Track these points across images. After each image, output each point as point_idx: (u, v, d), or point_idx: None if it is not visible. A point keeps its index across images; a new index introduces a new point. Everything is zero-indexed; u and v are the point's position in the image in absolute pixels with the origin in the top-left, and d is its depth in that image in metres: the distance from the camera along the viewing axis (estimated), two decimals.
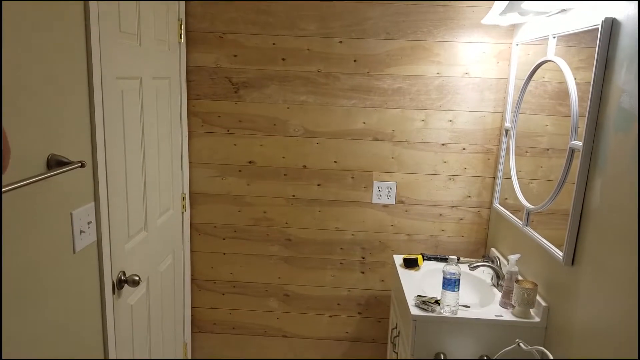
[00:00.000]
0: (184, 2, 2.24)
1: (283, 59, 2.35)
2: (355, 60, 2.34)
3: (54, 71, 1.23)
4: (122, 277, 1.63)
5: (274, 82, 2.37)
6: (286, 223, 2.52)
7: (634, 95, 1.28)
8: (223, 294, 2.62)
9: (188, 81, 2.37)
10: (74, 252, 1.36)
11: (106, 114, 1.49)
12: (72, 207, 1.35)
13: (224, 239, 2.55)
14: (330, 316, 2.63)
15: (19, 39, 1.10)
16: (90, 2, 1.36)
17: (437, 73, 2.33)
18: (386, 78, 2.35)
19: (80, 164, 1.25)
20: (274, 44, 2.33)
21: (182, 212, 2.39)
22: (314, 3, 2.28)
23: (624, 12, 1.35)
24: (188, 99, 2.39)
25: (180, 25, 2.22)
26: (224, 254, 2.57)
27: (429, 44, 2.30)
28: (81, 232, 1.38)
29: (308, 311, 2.63)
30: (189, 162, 2.46)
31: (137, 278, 1.62)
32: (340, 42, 2.32)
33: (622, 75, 1.34)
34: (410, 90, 2.35)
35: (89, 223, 1.42)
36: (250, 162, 2.46)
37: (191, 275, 2.59)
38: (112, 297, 1.57)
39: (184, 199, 2.39)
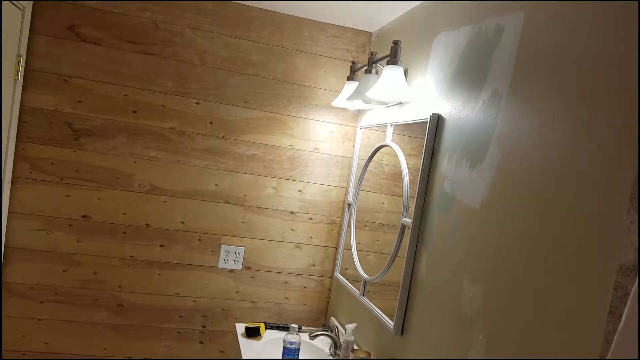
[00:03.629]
0: (26, 37, 2.05)
1: (134, 112, 2.25)
2: (211, 123, 2.34)
3: None
4: None
5: (121, 134, 2.24)
6: (119, 286, 2.30)
7: (454, 181, 1.48)
8: None
9: (20, 122, 2.12)
10: None
11: None
12: None
13: (41, 303, 2.22)
14: None
15: None
16: None
17: (290, 145, 2.44)
18: (241, 144, 2.38)
19: None
20: (125, 95, 2.23)
21: None
22: (173, 62, 2.26)
23: (447, 110, 1.59)
24: (17, 141, 2.12)
25: (19, 62, 2.02)
26: (39, 320, 2.23)
27: (284, 117, 2.42)
28: None
29: None
30: (9, 212, 2.14)
31: None
32: (197, 103, 2.32)
33: (445, 163, 1.55)
34: (265, 158, 2.41)
35: None
36: (84, 217, 2.23)
37: None
38: None
39: None
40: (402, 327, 1.68)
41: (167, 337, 2.38)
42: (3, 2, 1.78)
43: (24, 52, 2.05)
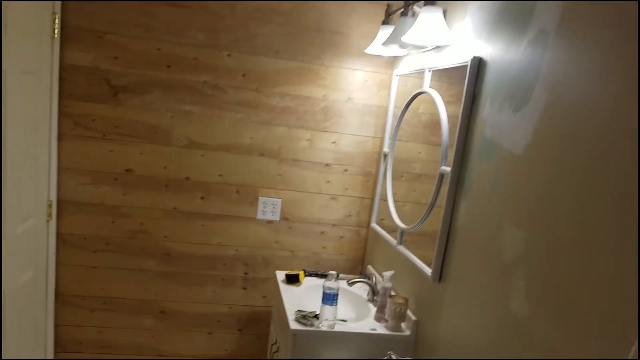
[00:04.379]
0: None
1: (168, 66, 2.26)
2: (244, 75, 2.33)
3: None
4: None
5: (157, 89, 2.27)
6: (165, 237, 2.40)
7: (496, 126, 1.45)
8: (92, 311, 2.40)
9: (61, 80, 2.17)
10: None
11: None
12: None
13: (94, 252, 2.35)
14: (210, 333, 2.54)
15: None
16: None
17: (323, 95, 2.42)
18: (275, 95, 2.37)
19: None
20: (158, 49, 2.24)
21: (48, 221, 2.16)
22: (204, 14, 2.24)
23: (489, 53, 1.53)
24: (60, 98, 2.18)
25: (55, 20, 2.04)
26: (94, 267, 2.36)
27: (316, 67, 2.38)
28: None
29: (186, 328, 2.51)
30: (58, 167, 2.23)
31: None
32: (229, 55, 2.30)
33: (486, 109, 1.51)
34: (297, 109, 2.41)
35: None
36: (127, 171, 2.31)
37: (56, 290, 2.33)
38: None
39: (50, 206, 2.16)
40: (440, 274, 1.70)
41: (212, 284, 2.49)
42: None
43: (58, 10, 2.06)
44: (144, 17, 2.20)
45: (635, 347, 0.86)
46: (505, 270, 1.32)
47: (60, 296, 2.35)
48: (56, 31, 2.06)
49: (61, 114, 2.20)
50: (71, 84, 2.19)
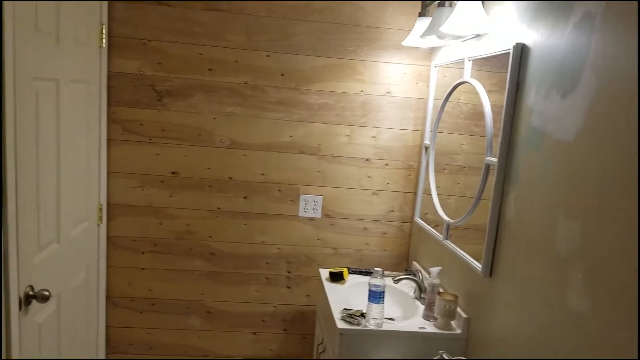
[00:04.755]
0: (106, 5, 2.14)
1: (210, 69, 2.31)
2: (282, 75, 2.35)
3: None
4: (30, 292, 1.49)
5: (199, 92, 2.32)
6: (210, 236, 2.45)
7: (544, 114, 1.40)
8: (141, 312, 2.48)
9: (109, 87, 2.25)
10: None
11: (18, 116, 1.38)
12: None
13: (142, 253, 2.43)
14: (255, 333, 2.57)
15: None
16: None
17: (361, 91, 2.41)
18: (312, 93, 2.38)
19: None
20: (200, 53, 2.29)
21: (98, 224, 2.24)
22: (241, 16, 2.28)
23: (532, 38, 1.48)
24: (108, 105, 2.27)
25: (102, 29, 2.12)
26: (143, 269, 2.44)
27: (353, 63, 2.38)
28: None
29: (231, 329, 2.55)
30: (108, 172, 2.32)
31: (46, 293, 1.49)
32: (268, 55, 2.33)
33: (532, 97, 1.47)
34: (336, 106, 2.41)
35: None
36: (173, 173, 2.38)
37: (106, 291, 2.42)
38: (18, 314, 1.43)
39: (101, 210, 2.25)
40: (491, 269, 1.66)
41: (257, 282, 2.52)
42: None
43: (105, 20, 2.14)
44: (186, 23, 2.26)
45: None
46: (561, 263, 1.27)
47: (110, 298, 2.44)
48: (104, 40, 2.13)
49: (110, 119, 2.28)
50: (119, 91, 2.27)
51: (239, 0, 2.26)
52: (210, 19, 2.27)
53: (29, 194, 1.49)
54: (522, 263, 1.47)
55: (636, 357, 0.79)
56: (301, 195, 2.47)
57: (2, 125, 1.30)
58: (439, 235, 2.10)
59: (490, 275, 1.66)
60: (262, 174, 2.43)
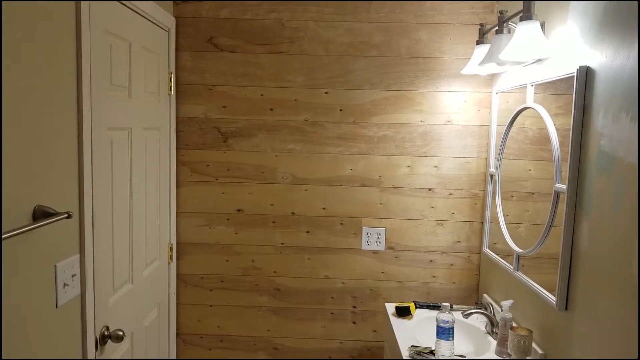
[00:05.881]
0: (174, 55, 2.30)
1: (271, 109, 2.39)
2: (341, 110, 2.39)
3: (42, 121, 1.24)
4: (106, 333, 1.58)
5: (262, 131, 2.41)
6: (275, 272, 2.49)
7: (613, 138, 1.32)
8: (210, 349, 2.53)
9: (177, 132, 2.39)
10: (56, 307, 1.32)
11: (95, 164, 1.49)
12: (56, 259, 1.32)
13: (210, 290, 2.50)
14: None
15: (12, 88, 1.11)
16: (83, 56, 1.39)
17: (421, 121, 2.39)
18: (371, 126, 2.39)
19: (66, 215, 1.24)
20: (262, 95, 2.39)
21: (169, 263, 2.35)
22: (300, 57, 2.36)
23: (597, 60, 1.41)
24: (177, 148, 2.40)
25: (171, 78, 2.27)
26: (211, 305, 2.51)
27: (411, 94, 2.37)
28: (65, 285, 1.34)
29: None
30: (177, 212, 2.44)
31: (120, 333, 1.57)
32: (326, 92, 2.38)
33: (600, 120, 1.39)
34: (396, 137, 2.40)
35: (73, 276, 1.38)
36: (238, 210, 2.45)
37: (177, 329, 2.51)
38: (95, 353, 1.51)
39: (171, 249, 2.36)
40: (567, 302, 1.55)
41: (322, 318, 2.51)
42: (152, 26, 2.02)
43: (173, 69, 2.29)
44: (249, 67, 2.37)
45: None
46: None
47: (180, 335, 2.52)
48: (172, 88, 2.28)
49: (179, 162, 2.41)
50: (187, 134, 2.40)
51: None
52: (271, 62, 2.37)
53: (105, 238, 1.60)
54: (601, 296, 1.36)
55: (636, 357, 0.70)
56: (363, 227, 2.45)
57: (80, 174, 1.42)
58: (510, 266, 2.00)
59: (566, 308, 1.55)
60: (324, 208, 2.45)
